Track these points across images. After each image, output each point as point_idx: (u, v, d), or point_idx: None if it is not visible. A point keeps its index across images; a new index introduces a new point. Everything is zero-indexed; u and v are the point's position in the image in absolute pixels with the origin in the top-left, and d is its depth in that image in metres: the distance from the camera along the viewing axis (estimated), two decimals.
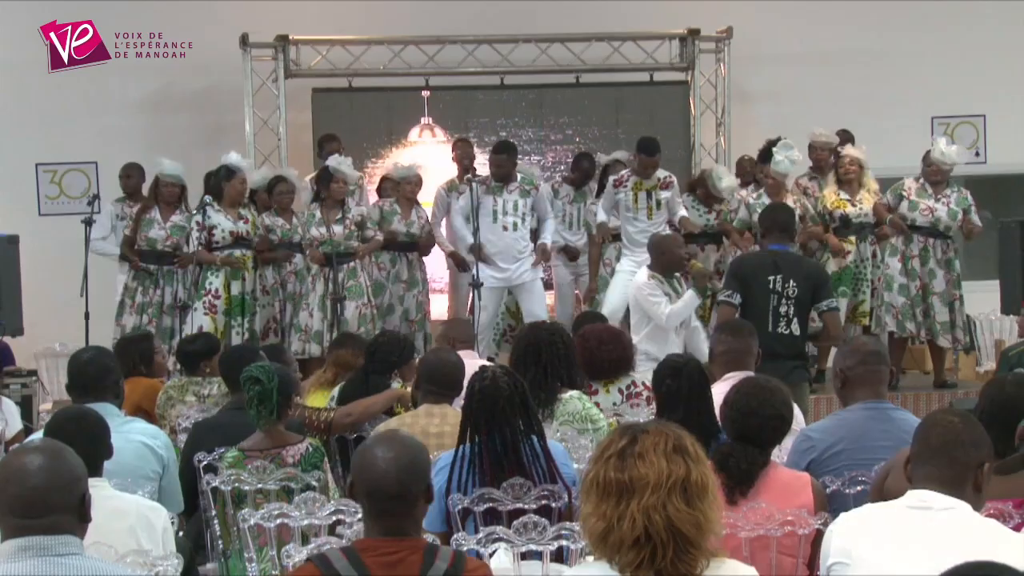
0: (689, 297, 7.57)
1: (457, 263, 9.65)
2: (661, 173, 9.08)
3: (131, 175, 9.88)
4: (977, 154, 12.07)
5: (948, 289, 9.10)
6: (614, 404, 5.84)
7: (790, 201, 9.09)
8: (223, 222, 8.90)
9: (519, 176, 9.36)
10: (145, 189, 9.58)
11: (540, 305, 9.33)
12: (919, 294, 9.10)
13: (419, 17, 11.11)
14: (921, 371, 9.80)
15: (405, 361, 6.27)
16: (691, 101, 11.24)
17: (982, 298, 10.39)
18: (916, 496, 3.20)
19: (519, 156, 9.71)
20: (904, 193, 9.11)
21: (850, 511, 3.37)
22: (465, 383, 6.04)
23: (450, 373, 5.17)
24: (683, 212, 9.26)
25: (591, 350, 5.95)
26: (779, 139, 9.37)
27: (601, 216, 9.28)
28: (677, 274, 7.78)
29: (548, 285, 10.20)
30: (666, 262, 7.65)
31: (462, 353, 5.75)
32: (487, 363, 5.31)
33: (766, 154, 9.51)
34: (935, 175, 9.10)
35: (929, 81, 11.75)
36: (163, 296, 9.24)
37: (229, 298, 8.86)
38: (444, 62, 11.10)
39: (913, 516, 3.16)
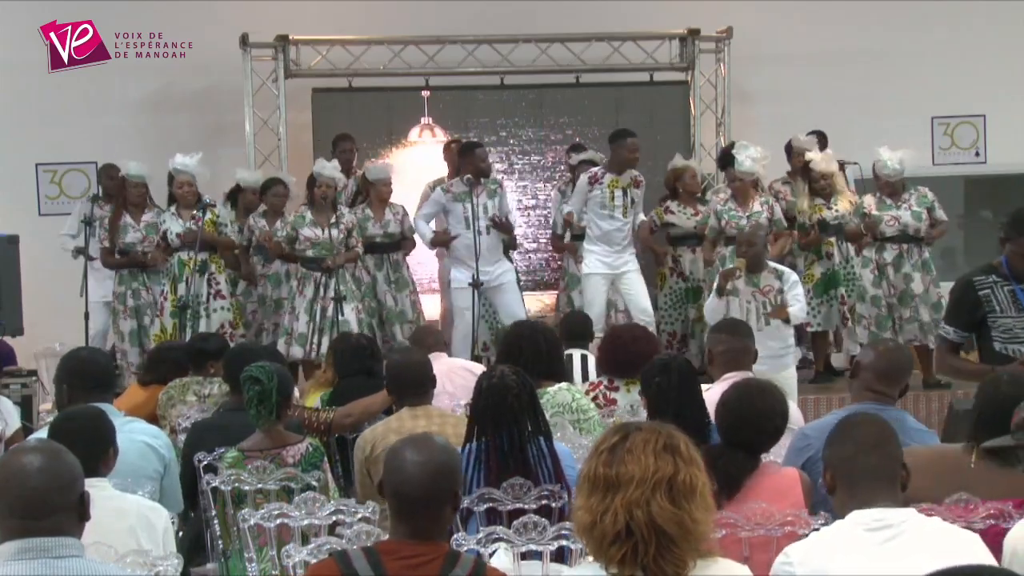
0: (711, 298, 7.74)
1: (443, 243, 9.31)
2: (632, 172, 9.04)
3: (112, 176, 9.85)
4: (977, 154, 12.08)
5: (929, 290, 9.13)
6: (631, 406, 5.80)
7: (758, 204, 9.02)
8: (173, 225, 9.06)
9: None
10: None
11: (517, 303, 9.26)
12: (895, 299, 9.12)
13: (419, 17, 11.10)
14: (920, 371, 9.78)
15: (378, 359, 6.33)
16: (691, 101, 11.23)
17: None
18: (869, 516, 3.12)
19: (519, 156, 9.65)
20: (866, 212, 9.13)
21: (800, 542, 3.26)
22: (446, 384, 6.11)
23: (418, 372, 5.26)
24: (642, 216, 9.27)
25: (623, 344, 5.97)
26: (733, 143, 9.42)
27: (569, 208, 9.18)
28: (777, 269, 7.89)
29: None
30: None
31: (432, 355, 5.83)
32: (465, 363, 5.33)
33: (725, 159, 9.54)
34: (888, 187, 9.14)
35: (929, 81, 11.74)
36: (154, 296, 9.30)
37: (176, 299, 8.94)
38: (444, 62, 11.08)
39: (875, 537, 3.09)
